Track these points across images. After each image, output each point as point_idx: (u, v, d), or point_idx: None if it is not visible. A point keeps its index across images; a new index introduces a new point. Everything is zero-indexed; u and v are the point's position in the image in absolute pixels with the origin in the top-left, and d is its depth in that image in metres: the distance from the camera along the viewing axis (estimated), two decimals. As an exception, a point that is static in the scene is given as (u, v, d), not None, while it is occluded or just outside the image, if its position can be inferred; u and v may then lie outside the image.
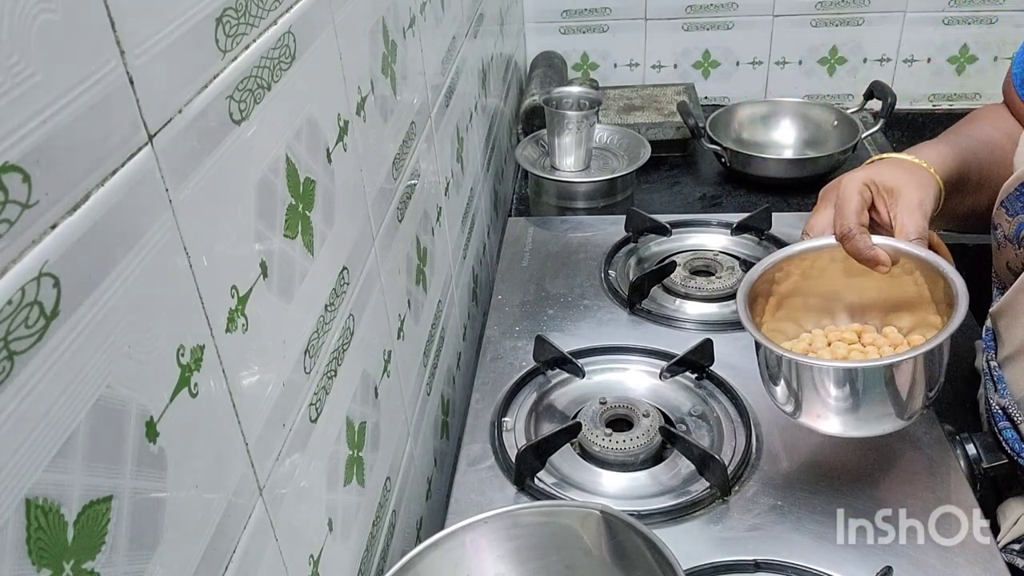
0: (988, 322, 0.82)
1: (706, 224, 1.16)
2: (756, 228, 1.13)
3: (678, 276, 1.02)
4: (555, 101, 1.25)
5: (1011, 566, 0.69)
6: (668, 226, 1.12)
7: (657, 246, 1.12)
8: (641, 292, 0.99)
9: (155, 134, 0.37)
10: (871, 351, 0.71)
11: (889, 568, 0.65)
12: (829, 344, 0.73)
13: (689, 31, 1.71)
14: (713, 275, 1.03)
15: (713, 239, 1.13)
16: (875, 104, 1.44)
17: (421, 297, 0.86)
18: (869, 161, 0.81)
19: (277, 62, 0.50)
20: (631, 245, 1.12)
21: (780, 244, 1.05)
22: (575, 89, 1.29)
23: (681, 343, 0.89)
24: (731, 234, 1.13)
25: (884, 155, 0.80)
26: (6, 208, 0.28)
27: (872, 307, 0.75)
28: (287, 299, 0.52)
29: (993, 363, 0.79)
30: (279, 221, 0.50)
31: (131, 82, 0.35)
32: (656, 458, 0.79)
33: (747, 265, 0.98)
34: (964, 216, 0.85)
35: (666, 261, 1.04)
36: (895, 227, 0.73)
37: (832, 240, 0.73)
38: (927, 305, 0.71)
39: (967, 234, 1.45)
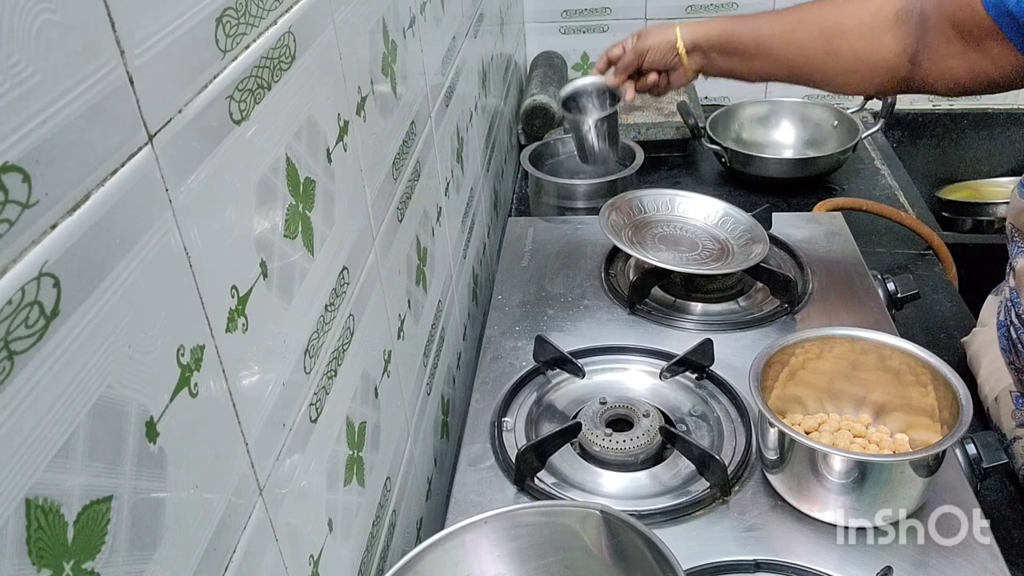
0: (1011, 280, 0.88)
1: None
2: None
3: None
4: (573, 101, 1.13)
5: None
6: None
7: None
8: (641, 292, 0.99)
9: (155, 134, 0.37)
10: (873, 448, 0.74)
11: (889, 568, 0.65)
12: (838, 429, 0.76)
13: (689, 31, 1.71)
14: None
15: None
16: (875, 104, 1.44)
17: (421, 297, 0.86)
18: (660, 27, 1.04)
19: (277, 62, 0.50)
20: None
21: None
22: (587, 81, 1.12)
23: (681, 343, 0.89)
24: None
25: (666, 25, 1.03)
26: (6, 208, 0.28)
27: (874, 402, 0.78)
28: (287, 299, 0.52)
29: None
30: (279, 221, 0.50)
31: (131, 82, 0.35)
32: (656, 458, 0.79)
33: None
34: (758, 78, 1.02)
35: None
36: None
37: (854, 331, 0.77)
38: (926, 415, 0.74)
39: (967, 234, 1.46)
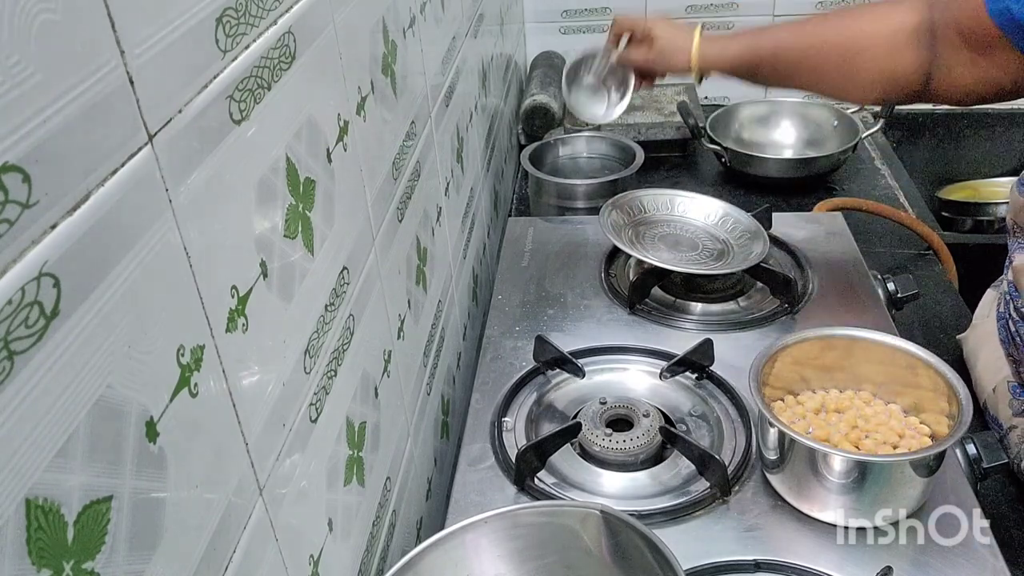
0: (1009, 275, 0.88)
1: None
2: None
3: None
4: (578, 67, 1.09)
5: None
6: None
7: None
8: (641, 292, 0.99)
9: (155, 134, 0.37)
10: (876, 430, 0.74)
11: (889, 568, 0.65)
12: (838, 411, 0.76)
13: (689, 31, 1.71)
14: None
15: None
16: (875, 104, 1.44)
17: (421, 297, 0.86)
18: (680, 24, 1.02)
19: (277, 62, 0.50)
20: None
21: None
22: (595, 50, 1.07)
23: (681, 343, 0.89)
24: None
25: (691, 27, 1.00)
26: (6, 208, 0.28)
27: (878, 382, 0.78)
28: (287, 299, 0.52)
29: None
30: (279, 221, 0.50)
31: (131, 82, 0.35)
32: (656, 458, 0.79)
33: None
34: (768, 87, 1.04)
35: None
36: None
37: (854, 331, 0.77)
38: (935, 401, 0.74)
39: (967, 233, 1.46)
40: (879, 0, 0.93)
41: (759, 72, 0.98)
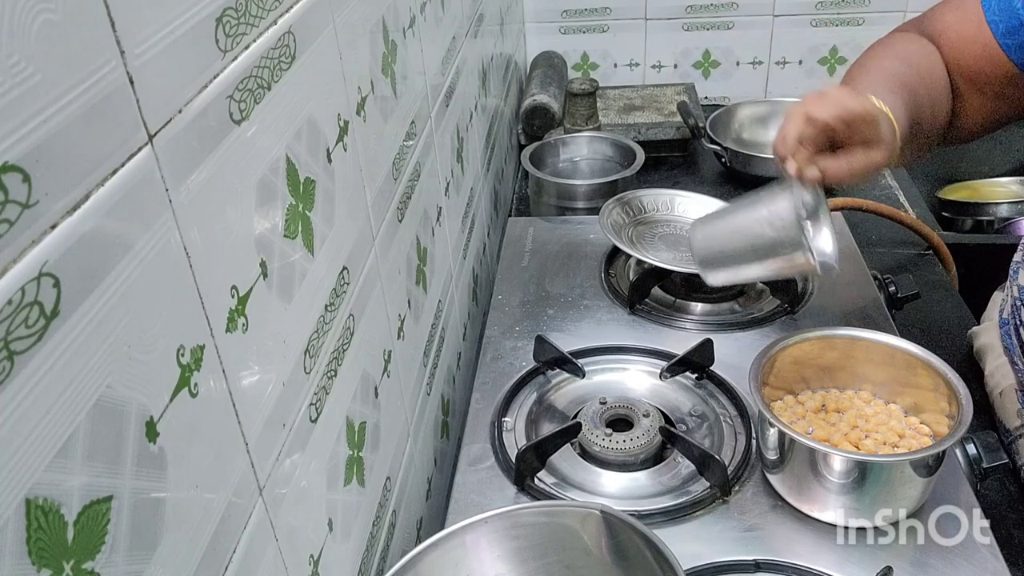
0: (1020, 279, 0.87)
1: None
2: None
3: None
4: None
5: None
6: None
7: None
8: (641, 292, 0.99)
9: (155, 134, 0.37)
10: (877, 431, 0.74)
11: (889, 568, 0.65)
12: (839, 411, 0.76)
13: (689, 31, 1.72)
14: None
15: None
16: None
17: (421, 297, 0.86)
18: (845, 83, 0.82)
19: (277, 62, 0.50)
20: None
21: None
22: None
23: (681, 343, 0.89)
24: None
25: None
26: (6, 208, 0.28)
27: (878, 382, 0.78)
28: (287, 299, 0.52)
29: None
30: (279, 221, 0.50)
31: (131, 82, 0.35)
32: (656, 458, 0.79)
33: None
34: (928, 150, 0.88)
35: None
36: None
37: (854, 331, 0.77)
38: (927, 413, 0.74)
39: (967, 233, 1.46)
40: (905, 33, 0.89)
41: (918, 124, 0.80)
